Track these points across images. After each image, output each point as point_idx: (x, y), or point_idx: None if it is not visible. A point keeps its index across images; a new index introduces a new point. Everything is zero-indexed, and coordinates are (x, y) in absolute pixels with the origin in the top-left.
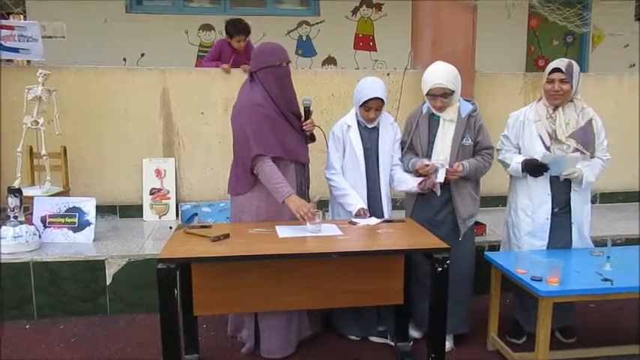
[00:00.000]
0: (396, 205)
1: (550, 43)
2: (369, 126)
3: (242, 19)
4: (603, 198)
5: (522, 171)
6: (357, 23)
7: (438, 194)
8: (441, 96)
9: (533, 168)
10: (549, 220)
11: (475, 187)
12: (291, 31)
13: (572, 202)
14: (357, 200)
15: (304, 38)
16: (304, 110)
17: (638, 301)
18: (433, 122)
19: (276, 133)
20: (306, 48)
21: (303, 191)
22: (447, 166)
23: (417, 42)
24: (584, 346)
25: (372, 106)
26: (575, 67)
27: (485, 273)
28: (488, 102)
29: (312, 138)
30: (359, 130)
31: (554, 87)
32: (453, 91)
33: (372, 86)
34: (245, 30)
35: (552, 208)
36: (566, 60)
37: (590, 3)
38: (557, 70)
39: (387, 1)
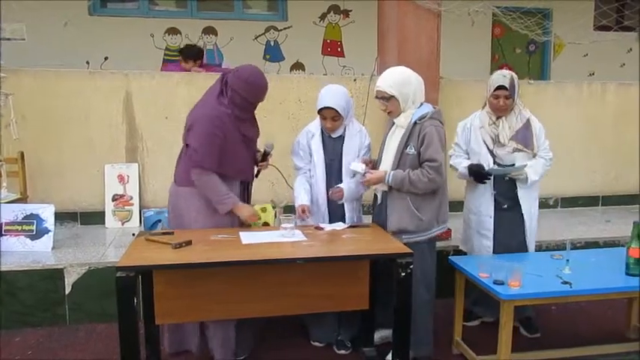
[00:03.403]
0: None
1: (513, 52)
2: (333, 135)
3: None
4: (564, 202)
5: (469, 175)
6: (324, 29)
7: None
8: (381, 99)
9: (478, 175)
10: (492, 219)
11: (419, 203)
12: (259, 35)
13: (520, 199)
14: (300, 199)
15: (272, 43)
16: (263, 152)
17: (597, 303)
18: (392, 127)
19: (228, 151)
20: (274, 53)
21: (244, 201)
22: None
23: (383, 48)
24: (544, 348)
25: (327, 116)
26: (516, 79)
27: (450, 277)
28: (453, 108)
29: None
30: (323, 138)
31: (499, 102)
32: (392, 96)
33: (326, 95)
34: (191, 54)
35: (501, 205)
36: (507, 75)
37: (550, 13)
38: (501, 87)
39: (354, 5)
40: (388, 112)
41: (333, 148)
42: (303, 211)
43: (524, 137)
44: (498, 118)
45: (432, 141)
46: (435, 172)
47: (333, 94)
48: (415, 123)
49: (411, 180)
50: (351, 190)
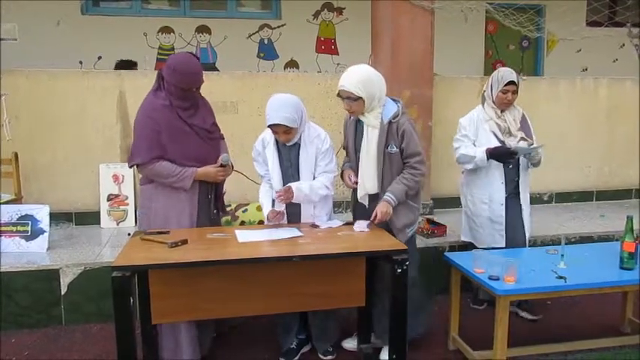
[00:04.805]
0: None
1: (507, 48)
2: (288, 144)
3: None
4: (558, 197)
5: (487, 159)
6: (318, 27)
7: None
8: (346, 98)
9: (505, 155)
10: (503, 206)
11: (412, 196)
12: (253, 34)
13: (520, 187)
14: (266, 209)
15: (266, 41)
16: (220, 165)
17: (592, 297)
18: (359, 128)
19: (173, 140)
20: (267, 51)
21: (209, 199)
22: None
23: (377, 45)
24: (540, 343)
25: (278, 131)
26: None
27: (446, 272)
28: (446, 105)
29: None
30: (278, 147)
31: (507, 97)
32: (359, 97)
33: (275, 110)
34: None
35: (505, 194)
36: (513, 71)
37: (543, 9)
38: (512, 82)
39: (348, 3)
40: (351, 112)
41: (289, 156)
42: (274, 217)
43: (526, 129)
44: (502, 111)
45: (412, 136)
46: (422, 165)
47: (280, 109)
48: (391, 122)
49: (410, 187)
50: (302, 189)
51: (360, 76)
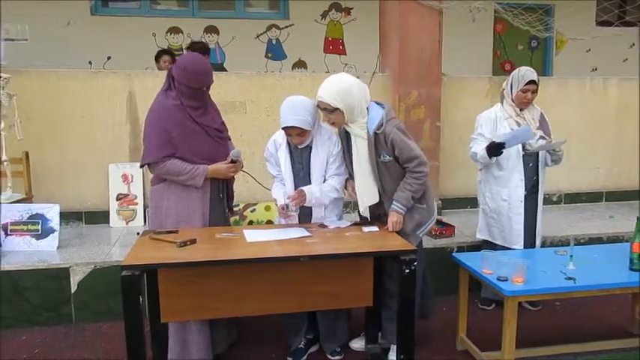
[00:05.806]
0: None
1: (515, 48)
2: (300, 146)
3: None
4: (567, 198)
5: (489, 157)
6: (326, 27)
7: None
8: (324, 109)
9: (495, 148)
10: (522, 203)
11: (419, 198)
12: (261, 34)
13: (539, 185)
14: (280, 202)
15: (274, 42)
16: (231, 160)
17: (601, 298)
18: (350, 138)
19: (184, 139)
20: (275, 51)
21: (220, 198)
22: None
23: (385, 46)
24: (549, 344)
25: (292, 133)
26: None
27: (454, 273)
28: (455, 105)
29: None
30: (289, 149)
31: (527, 96)
32: (336, 108)
33: (289, 112)
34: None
35: (525, 191)
36: (534, 70)
37: (552, 8)
38: (533, 82)
39: (356, 3)
40: (331, 124)
41: (300, 158)
42: (284, 209)
43: (545, 127)
44: (521, 110)
45: (403, 143)
46: (423, 166)
47: (295, 111)
48: (376, 134)
49: (415, 191)
50: (313, 193)
51: (337, 87)
